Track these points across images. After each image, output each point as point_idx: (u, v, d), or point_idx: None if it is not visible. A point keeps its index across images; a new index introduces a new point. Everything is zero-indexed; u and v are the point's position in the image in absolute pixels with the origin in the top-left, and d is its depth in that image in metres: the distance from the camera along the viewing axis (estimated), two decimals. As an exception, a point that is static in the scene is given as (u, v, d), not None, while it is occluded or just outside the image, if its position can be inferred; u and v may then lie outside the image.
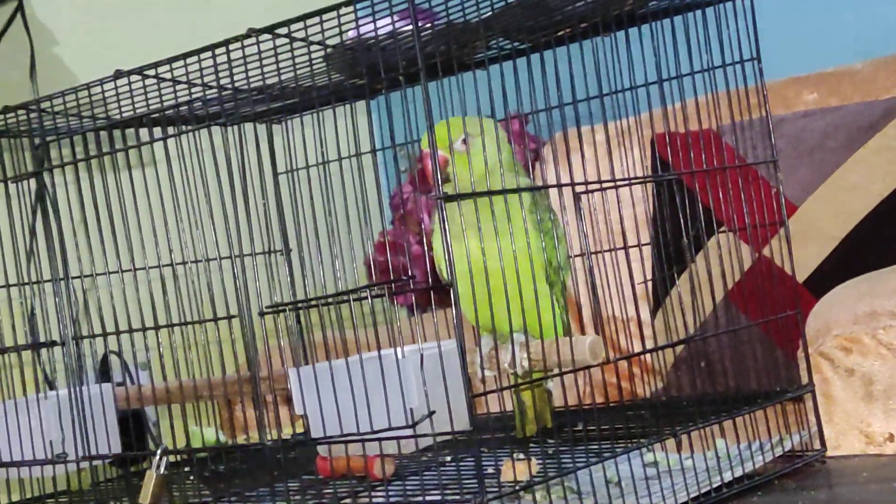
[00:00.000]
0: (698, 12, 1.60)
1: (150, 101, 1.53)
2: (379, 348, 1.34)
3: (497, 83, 1.45)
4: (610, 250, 1.59)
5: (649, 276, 1.73)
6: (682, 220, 1.60)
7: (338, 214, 1.61)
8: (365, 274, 2.97)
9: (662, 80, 1.58)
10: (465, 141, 1.45)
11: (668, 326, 1.71)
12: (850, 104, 2.57)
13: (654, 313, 2.51)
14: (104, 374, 2.16)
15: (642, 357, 2.54)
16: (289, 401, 1.50)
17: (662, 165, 2.42)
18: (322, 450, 1.46)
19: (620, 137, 1.60)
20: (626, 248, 1.54)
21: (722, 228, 1.66)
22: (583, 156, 1.51)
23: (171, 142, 1.51)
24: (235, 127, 1.64)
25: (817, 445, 1.61)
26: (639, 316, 1.53)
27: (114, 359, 2.23)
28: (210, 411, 1.76)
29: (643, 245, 1.66)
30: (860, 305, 1.96)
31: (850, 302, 1.98)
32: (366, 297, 1.36)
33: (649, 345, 1.48)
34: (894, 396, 1.90)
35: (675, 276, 1.64)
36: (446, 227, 1.26)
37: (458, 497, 1.28)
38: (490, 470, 1.40)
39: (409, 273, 1.33)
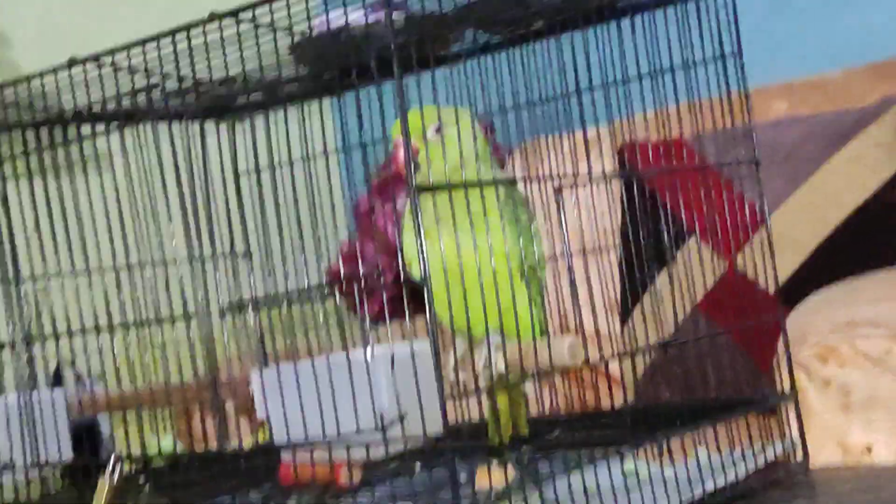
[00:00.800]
0: (679, 6, 1.54)
1: (107, 93, 1.46)
2: (347, 350, 1.27)
3: (470, 80, 1.39)
4: (580, 251, 1.53)
5: (617, 287, 1.68)
6: (651, 230, 1.54)
7: (301, 216, 1.54)
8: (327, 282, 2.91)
9: (641, 76, 1.53)
10: (438, 130, 1.39)
11: (643, 333, 1.65)
12: (822, 113, 2.54)
13: (623, 322, 2.46)
14: (57, 385, 2.08)
15: (609, 369, 2.48)
16: (248, 411, 1.43)
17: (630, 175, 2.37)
18: (286, 457, 1.39)
19: (588, 146, 1.53)
20: (597, 249, 1.48)
21: (692, 238, 1.61)
22: (550, 164, 1.46)
23: (128, 138, 1.45)
24: (197, 125, 1.58)
25: (800, 455, 1.55)
26: (609, 324, 1.46)
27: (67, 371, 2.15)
28: (167, 420, 1.69)
29: (612, 247, 1.60)
30: (838, 314, 1.92)
31: (827, 310, 1.94)
32: (332, 295, 1.30)
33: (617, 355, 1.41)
34: (873, 408, 1.85)
35: (648, 282, 1.59)
36: (419, 219, 1.20)
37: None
38: (463, 477, 1.33)
39: (379, 270, 1.26)
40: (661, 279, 1.54)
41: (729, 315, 1.86)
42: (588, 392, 2.48)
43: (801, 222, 2.38)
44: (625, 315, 2.49)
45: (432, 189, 1.25)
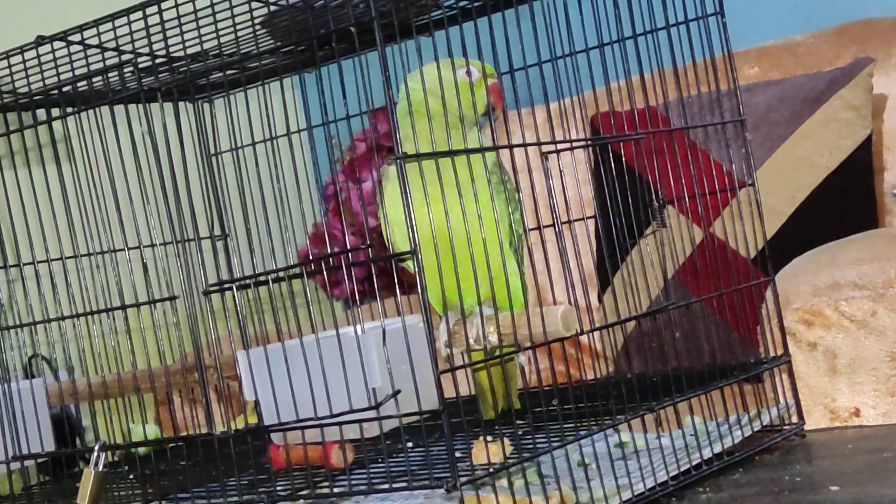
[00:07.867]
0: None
1: (77, 70, 1.41)
2: (336, 327, 1.23)
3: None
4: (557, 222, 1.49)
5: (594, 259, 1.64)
6: (625, 199, 1.50)
7: (278, 198, 1.50)
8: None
9: (626, 38, 1.50)
10: (468, 73, 1.39)
11: (621, 304, 1.62)
12: (794, 77, 2.51)
13: (601, 293, 2.44)
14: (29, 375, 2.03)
15: (590, 343, 2.46)
16: (222, 398, 1.39)
17: (602, 145, 2.34)
18: (277, 438, 1.36)
19: (562, 118, 1.49)
20: (569, 221, 1.44)
21: (668, 207, 1.57)
22: (523, 135, 1.42)
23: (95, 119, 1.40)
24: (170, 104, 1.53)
25: (794, 419, 1.53)
26: (586, 297, 1.42)
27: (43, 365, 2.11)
28: (148, 408, 1.65)
29: (588, 218, 1.57)
30: (821, 277, 1.90)
31: (810, 274, 1.92)
32: (320, 271, 1.26)
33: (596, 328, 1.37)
34: (859, 370, 1.84)
35: (624, 253, 1.56)
36: (406, 187, 1.15)
37: (427, 482, 1.18)
38: (458, 454, 1.30)
39: (367, 243, 1.22)
40: (637, 250, 1.51)
41: (706, 284, 1.84)
42: (560, 365, 2.46)
43: (775, 188, 2.36)
44: (602, 287, 2.47)
45: (418, 157, 1.20)
